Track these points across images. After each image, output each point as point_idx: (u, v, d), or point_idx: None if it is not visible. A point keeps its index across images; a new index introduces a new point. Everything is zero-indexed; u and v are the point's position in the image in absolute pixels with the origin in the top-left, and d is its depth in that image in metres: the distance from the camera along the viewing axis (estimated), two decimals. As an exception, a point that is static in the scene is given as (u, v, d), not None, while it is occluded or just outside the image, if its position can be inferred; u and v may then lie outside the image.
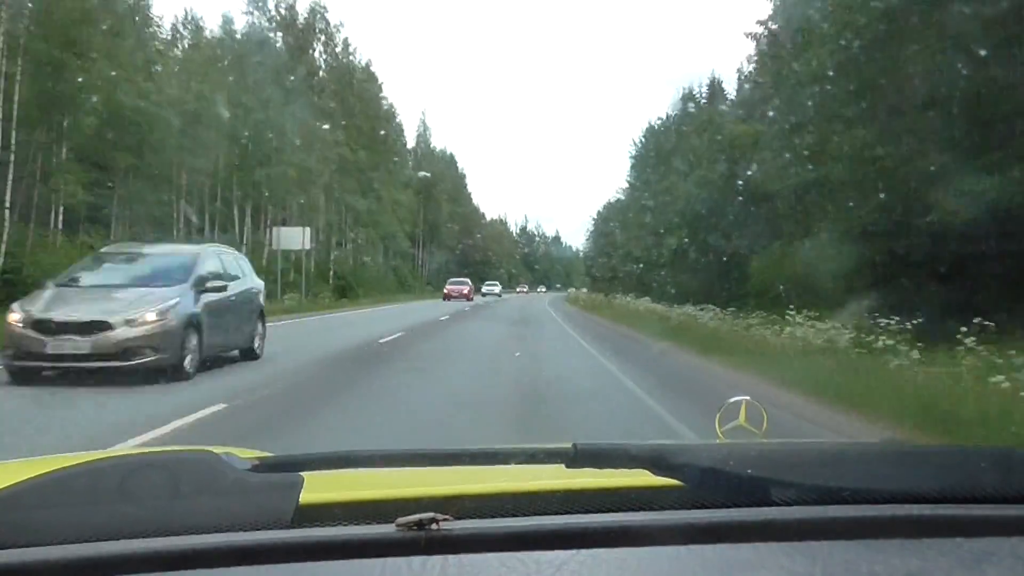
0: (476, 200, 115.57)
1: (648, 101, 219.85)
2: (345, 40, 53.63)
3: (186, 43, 42.59)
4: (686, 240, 33.60)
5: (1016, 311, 11.80)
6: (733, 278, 28.52)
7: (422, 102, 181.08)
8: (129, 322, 8.58)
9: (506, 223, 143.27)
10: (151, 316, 8.70)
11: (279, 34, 46.68)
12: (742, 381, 10.20)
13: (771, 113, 26.77)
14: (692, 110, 49.17)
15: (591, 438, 1.27)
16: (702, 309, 21.21)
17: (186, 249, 11.57)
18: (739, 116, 35.52)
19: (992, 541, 0.93)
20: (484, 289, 66.52)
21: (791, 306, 14.00)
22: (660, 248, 38.26)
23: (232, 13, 63.31)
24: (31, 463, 1.31)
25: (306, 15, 49.63)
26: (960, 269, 14.87)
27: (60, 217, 26.07)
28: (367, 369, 11.44)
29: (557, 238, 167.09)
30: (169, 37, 41.54)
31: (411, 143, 77.37)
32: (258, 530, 0.87)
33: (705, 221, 31.92)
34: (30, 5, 23.64)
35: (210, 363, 9.81)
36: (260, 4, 45.32)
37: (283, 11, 47.53)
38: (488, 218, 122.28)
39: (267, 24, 46.06)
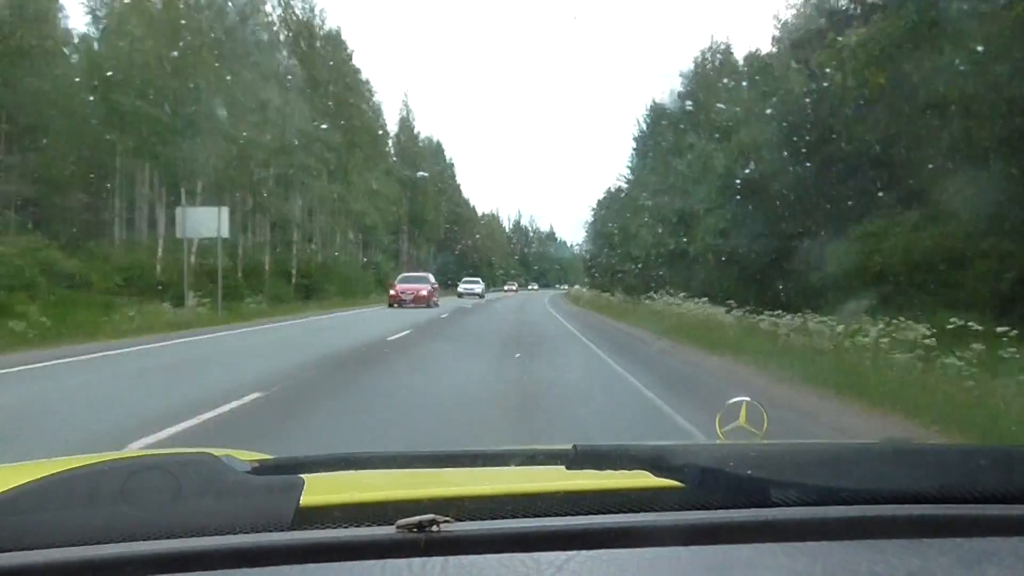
0: (466, 194, 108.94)
1: (641, 95, 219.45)
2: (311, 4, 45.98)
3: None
4: (729, 219, 25.08)
5: None
6: (804, 268, 20.07)
7: (405, 86, 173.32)
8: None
9: (498, 218, 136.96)
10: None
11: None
12: None
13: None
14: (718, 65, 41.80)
15: None
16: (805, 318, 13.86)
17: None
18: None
19: (992, 541, 0.93)
20: (461, 288, 54.28)
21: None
22: (691, 234, 29.65)
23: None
24: (32, 466, 1.31)
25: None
26: None
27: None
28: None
29: (552, 234, 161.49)
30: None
31: (393, 128, 70.89)
32: (258, 532, 0.87)
33: (761, 192, 23.28)
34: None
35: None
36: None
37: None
38: (480, 213, 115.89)
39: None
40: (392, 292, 34.15)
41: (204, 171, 29.71)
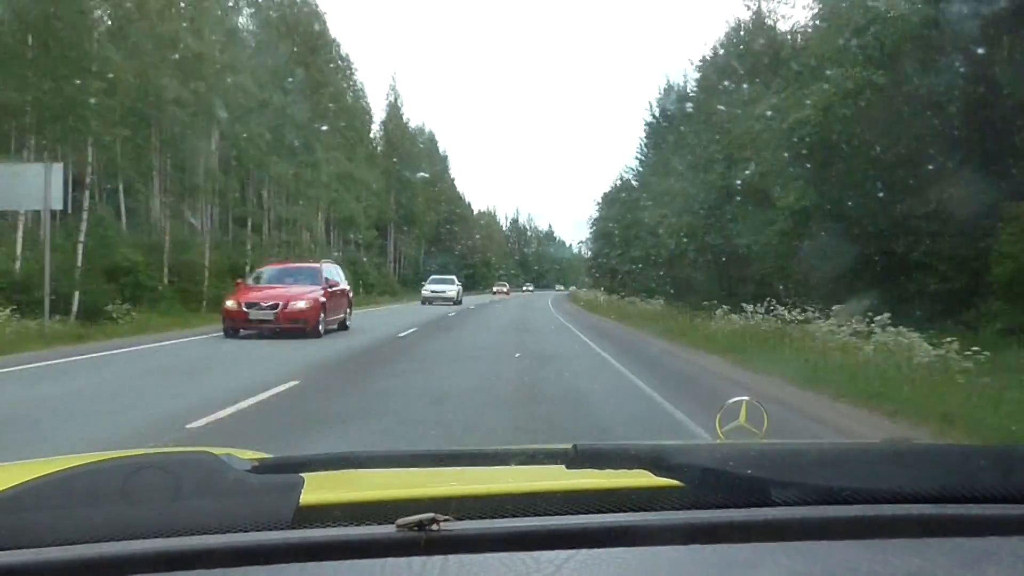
0: (462, 190, 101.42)
1: (642, 95, 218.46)
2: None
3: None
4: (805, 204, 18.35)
5: None
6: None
7: (397, 73, 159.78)
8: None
9: (495, 216, 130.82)
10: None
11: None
12: None
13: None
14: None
15: None
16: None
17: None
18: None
19: (992, 540, 0.93)
20: (426, 291, 38.98)
21: None
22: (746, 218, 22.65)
23: None
24: (32, 464, 1.31)
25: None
26: None
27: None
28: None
29: (551, 233, 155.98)
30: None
31: (380, 115, 63.89)
32: (258, 531, 0.87)
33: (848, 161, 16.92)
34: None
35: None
36: None
37: None
38: (476, 211, 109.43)
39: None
40: (228, 306, 16.08)
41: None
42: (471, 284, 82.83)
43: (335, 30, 61.79)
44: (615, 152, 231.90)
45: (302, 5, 44.70)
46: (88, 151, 21.87)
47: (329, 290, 17.10)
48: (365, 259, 53.70)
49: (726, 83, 28.06)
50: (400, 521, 0.87)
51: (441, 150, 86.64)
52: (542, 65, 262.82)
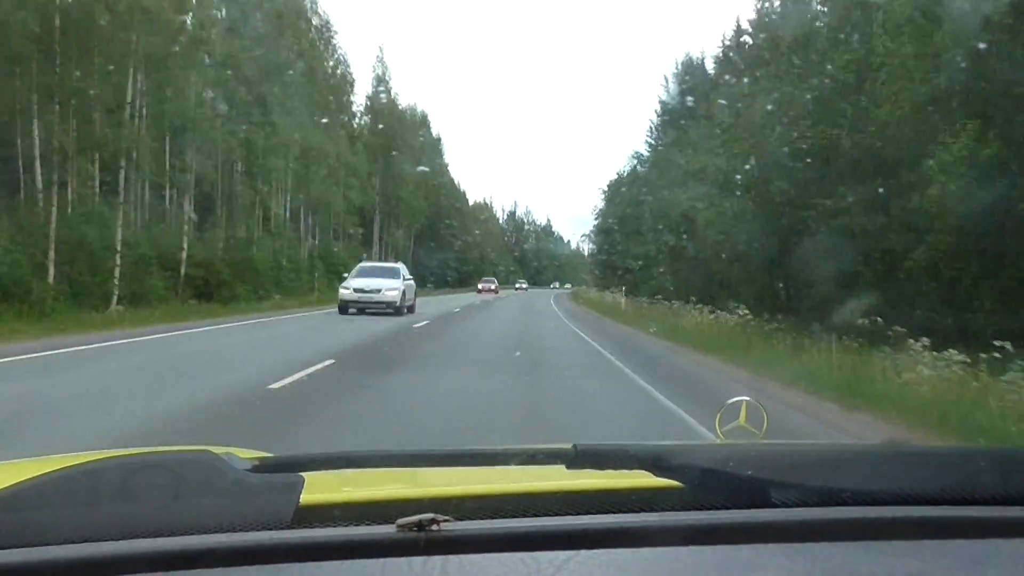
0: (457, 180, 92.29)
1: (642, 94, 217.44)
2: None
3: None
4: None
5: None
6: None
7: (385, 45, 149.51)
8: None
9: (492, 208, 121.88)
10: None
11: None
12: None
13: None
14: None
15: None
16: None
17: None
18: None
19: (992, 542, 0.93)
20: (350, 289, 23.36)
21: None
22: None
23: None
24: (33, 463, 1.31)
25: None
26: None
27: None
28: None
29: (548, 227, 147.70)
30: None
31: (364, 89, 58.96)
32: (258, 530, 0.87)
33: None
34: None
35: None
36: None
37: None
38: (472, 202, 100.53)
39: None
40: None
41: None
42: (463, 281, 74.86)
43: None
44: (614, 149, 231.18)
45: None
46: None
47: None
48: (342, 250, 46.66)
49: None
50: (400, 521, 0.87)
51: (434, 133, 78.58)
52: (543, 58, 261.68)
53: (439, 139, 79.91)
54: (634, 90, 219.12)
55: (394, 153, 55.26)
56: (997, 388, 7.88)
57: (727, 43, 40.55)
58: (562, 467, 1.15)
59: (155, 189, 28.20)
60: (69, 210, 20.08)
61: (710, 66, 43.15)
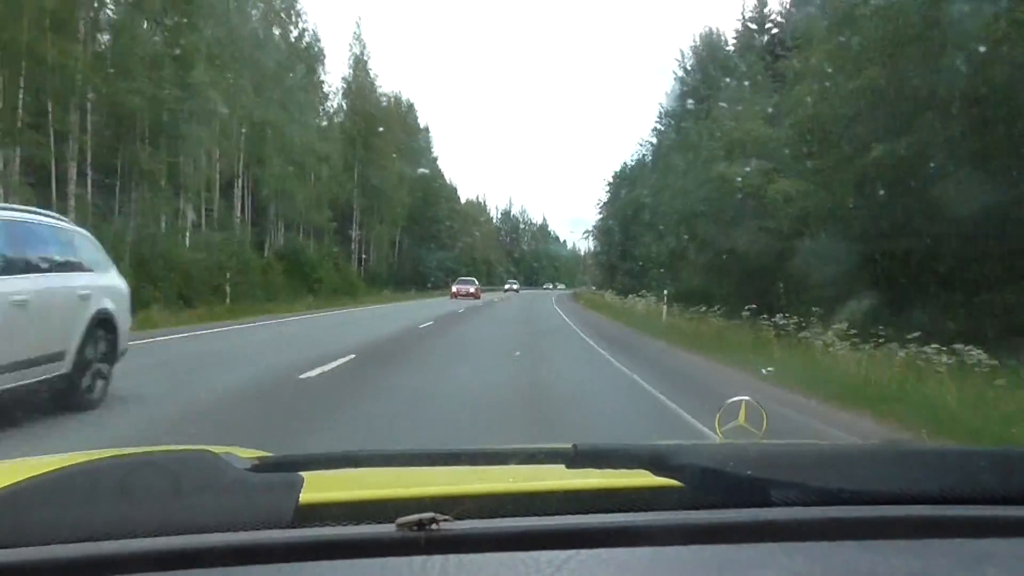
0: (448, 175, 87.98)
1: (637, 95, 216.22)
2: None
3: None
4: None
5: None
6: None
7: (363, 19, 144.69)
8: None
9: (485, 207, 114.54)
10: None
11: None
12: None
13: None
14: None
15: None
16: None
17: None
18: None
19: (992, 542, 0.93)
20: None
21: None
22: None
23: None
24: (31, 462, 1.31)
25: None
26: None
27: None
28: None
29: (545, 226, 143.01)
30: None
31: (341, 70, 53.20)
32: (258, 530, 0.87)
33: None
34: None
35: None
36: None
37: None
38: (464, 199, 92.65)
39: None
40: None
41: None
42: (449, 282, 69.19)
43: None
44: (611, 150, 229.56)
45: None
46: None
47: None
48: (312, 248, 40.63)
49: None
50: (400, 521, 0.87)
51: (423, 126, 72.45)
52: (538, 56, 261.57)
53: (427, 129, 74.20)
54: (631, 91, 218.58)
55: (373, 139, 49.78)
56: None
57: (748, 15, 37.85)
58: (562, 466, 1.15)
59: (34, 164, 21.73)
60: None
61: (731, 35, 39.86)
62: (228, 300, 25.92)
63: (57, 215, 7.57)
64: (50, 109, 21.42)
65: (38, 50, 20.04)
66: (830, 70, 16.73)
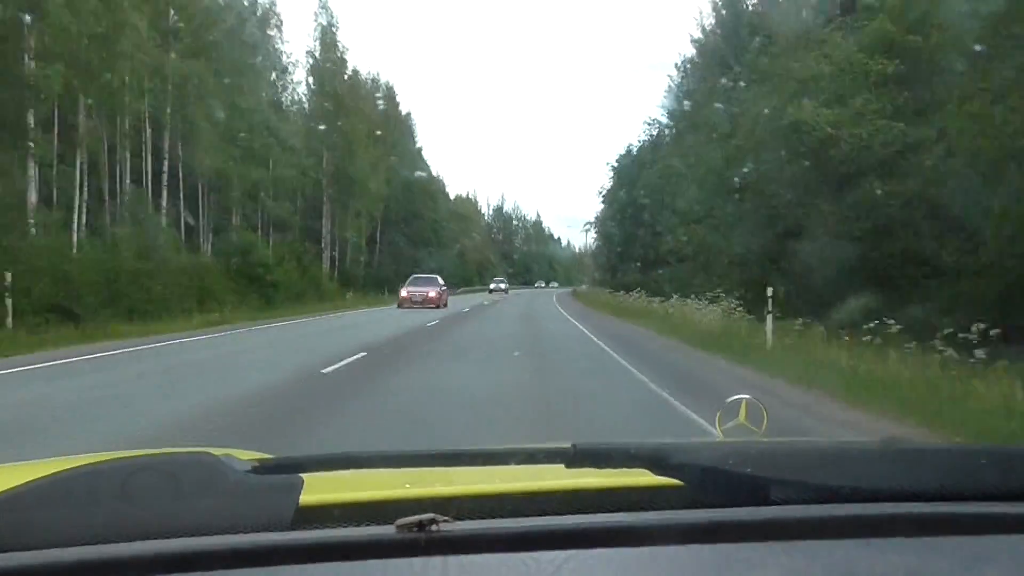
0: (437, 175, 80.00)
1: (631, 91, 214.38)
2: None
3: None
4: None
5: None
6: None
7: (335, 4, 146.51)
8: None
9: (476, 202, 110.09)
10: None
11: None
12: None
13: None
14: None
15: None
16: None
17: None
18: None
19: (992, 539, 0.93)
20: None
21: None
22: None
23: None
24: (32, 465, 1.31)
25: None
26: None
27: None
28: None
29: (539, 223, 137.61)
30: None
31: (304, 41, 47.10)
32: (258, 532, 0.87)
33: None
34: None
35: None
36: None
37: None
38: (453, 195, 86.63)
39: None
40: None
41: None
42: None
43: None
44: (606, 150, 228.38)
45: None
46: None
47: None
48: (263, 245, 33.22)
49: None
50: (400, 521, 0.87)
51: (406, 112, 64.92)
52: (534, 54, 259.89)
53: (409, 116, 66.60)
54: (626, 89, 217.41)
55: (344, 121, 42.70)
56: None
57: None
58: (561, 466, 1.15)
59: None
60: None
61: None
62: (134, 313, 19.40)
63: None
64: None
65: None
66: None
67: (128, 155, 26.54)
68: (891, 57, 15.79)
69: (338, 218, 45.73)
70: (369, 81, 55.12)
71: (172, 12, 27.06)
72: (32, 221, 19.68)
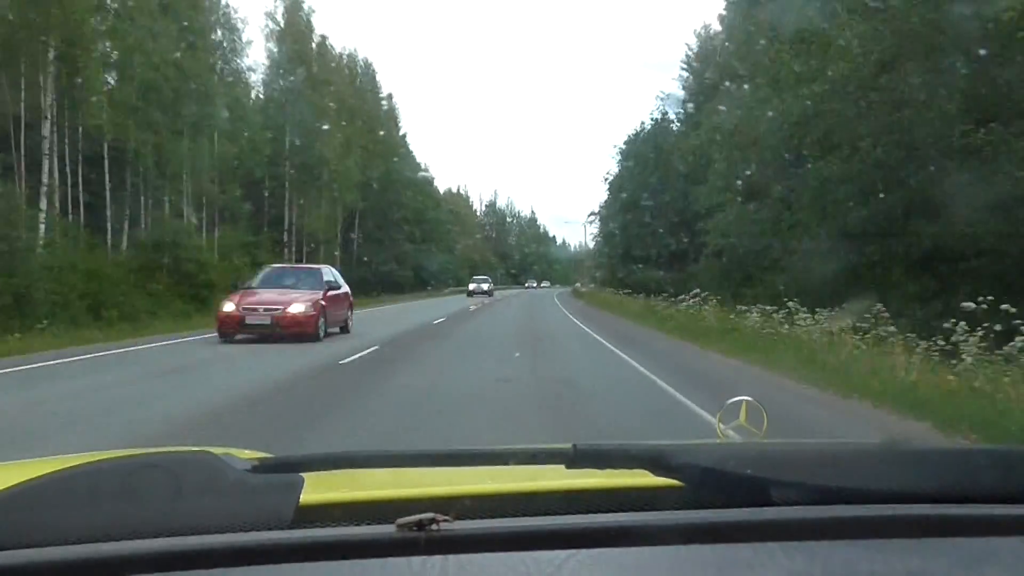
0: (425, 163, 75.93)
1: (626, 88, 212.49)
2: None
3: None
4: None
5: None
6: None
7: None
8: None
9: (467, 198, 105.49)
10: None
11: None
12: None
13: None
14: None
15: None
16: None
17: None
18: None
19: (992, 541, 0.93)
20: None
21: None
22: None
23: None
24: (32, 464, 1.31)
25: None
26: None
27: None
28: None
29: (534, 220, 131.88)
30: None
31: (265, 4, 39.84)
32: (258, 530, 0.87)
33: None
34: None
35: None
36: None
37: None
38: (443, 190, 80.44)
39: None
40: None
41: None
42: (422, 284, 53.97)
43: None
44: (602, 150, 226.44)
45: None
46: None
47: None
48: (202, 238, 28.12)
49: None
50: (400, 521, 0.87)
51: (386, 94, 58.48)
52: (527, 55, 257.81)
53: (390, 97, 59.98)
54: (624, 90, 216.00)
55: (312, 95, 37.80)
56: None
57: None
58: (561, 467, 1.15)
59: None
60: None
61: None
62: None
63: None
64: None
65: None
66: None
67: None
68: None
69: (306, 210, 39.13)
70: (344, 56, 49.28)
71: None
72: None
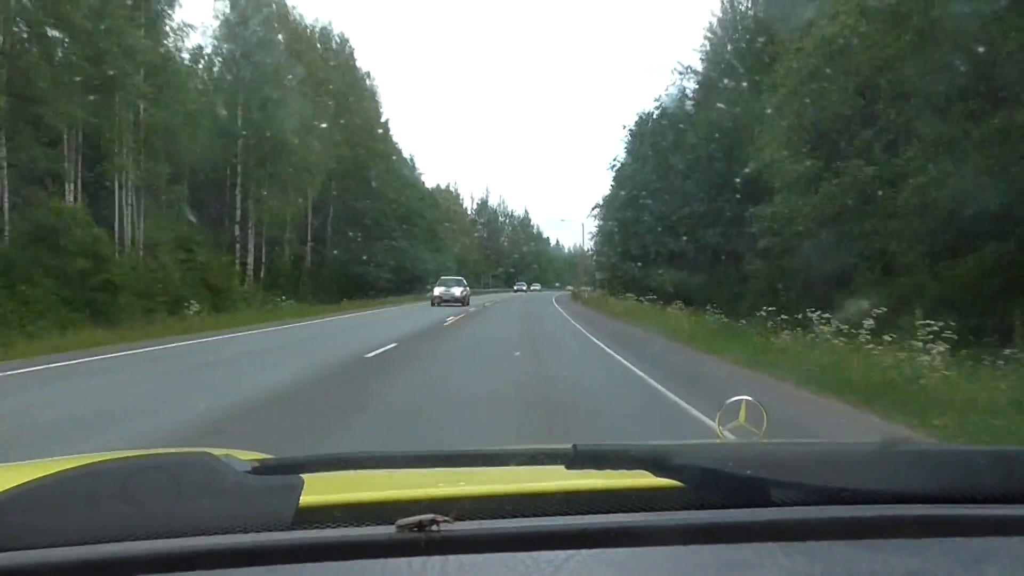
0: (422, 171, 71.26)
1: (628, 89, 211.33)
2: None
3: None
4: None
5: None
6: None
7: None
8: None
9: (458, 196, 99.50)
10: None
11: None
12: None
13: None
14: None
15: None
16: None
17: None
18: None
19: (992, 541, 0.93)
20: None
21: None
22: None
23: None
24: (33, 465, 1.30)
25: None
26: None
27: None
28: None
29: (527, 220, 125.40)
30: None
31: None
32: (258, 532, 0.87)
33: None
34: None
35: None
36: None
37: None
38: (431, 186, 71.77)
39: None
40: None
41: None
42: (403, 288, 45.01)
43: None
44: (599, 150, 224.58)
45: None
46: None
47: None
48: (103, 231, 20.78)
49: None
50: (400, 522, 0.87)
51: (365, 72, 52.06)
52: (523, 54, 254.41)
53: (368, 75, 53.31)
54: (622, 92, 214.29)
55: (271, 67, 32.06)
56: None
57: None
58: (562, 467, 1.15)
59: None
60: None
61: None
62: None
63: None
64: None
65: None
66: None
67: None
68: None
69: (264, 200, 32.75)
70: (317, 30, 42.96)
71: None
72: None
